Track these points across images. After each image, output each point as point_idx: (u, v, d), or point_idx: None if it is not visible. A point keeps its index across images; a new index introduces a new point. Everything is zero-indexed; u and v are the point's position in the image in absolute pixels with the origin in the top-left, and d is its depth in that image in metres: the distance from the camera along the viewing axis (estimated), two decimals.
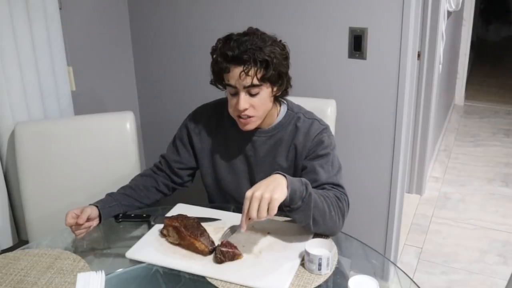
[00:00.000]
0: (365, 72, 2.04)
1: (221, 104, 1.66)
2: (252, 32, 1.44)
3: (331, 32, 2.05)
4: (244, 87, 1.42)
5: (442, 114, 4.14)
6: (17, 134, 1.80)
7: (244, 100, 1.43)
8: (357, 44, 2.01)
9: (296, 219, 1.36)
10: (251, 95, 1.43)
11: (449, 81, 4.33)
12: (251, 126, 1.49)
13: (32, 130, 1.83)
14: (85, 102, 2.24)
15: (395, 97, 2.02)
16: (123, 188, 1.64)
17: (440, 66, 3.10)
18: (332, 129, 1.84)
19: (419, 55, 2.76)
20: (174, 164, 1.68)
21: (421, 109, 3.03)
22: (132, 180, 1.68)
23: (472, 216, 3.02)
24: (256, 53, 1.38)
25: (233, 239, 1.37)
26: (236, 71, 1.40)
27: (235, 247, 1.30)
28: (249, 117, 1.46)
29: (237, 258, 1.30)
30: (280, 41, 1.49)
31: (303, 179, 1.33)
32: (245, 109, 1.44)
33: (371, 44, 1.99)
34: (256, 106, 1.45)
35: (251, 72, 1.39)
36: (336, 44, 2.06)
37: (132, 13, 2.47)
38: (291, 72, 1.59)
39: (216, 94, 1.73)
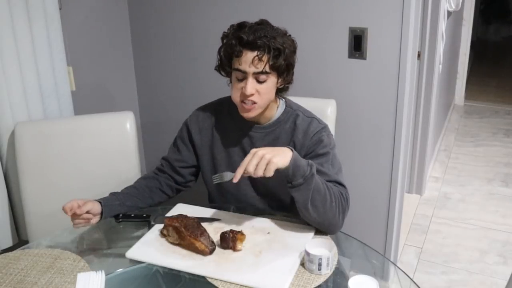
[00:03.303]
0: (365, 72, 2.04)
1: (221, 103, 1.68)
2: (265, 22, 1.49)
3: (331, 32, 2.05)
4: (254, 73, 1.44)
5: (442, 114, 4.14)
6: (17, 134, 1.80)
7: (251, 86, 1.44)
8: (357, 44, 2.01)
9: (296, 197, 1.38)
10: (259, 82, 1.45)
11: (449, 81, 4.33)
12: (252, 113, 1.50)
13: (32, 130, 1.83)
14: (85, 102, 2.24)
15: (395, 97, 2.02)
16: (127, 188, 1.64)
17: (440, 66, 3.10)
18: (332, 129, 1.84)
19: (419, 55, 2.76)
20: (176, 163, 1.69)
21: (421, 109, 3.03)
22: (135, 182, 1.69)
23: (472, 216, 3.02)
24: (270, 41, 1.42)
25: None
26: (249, 55, 1.42)
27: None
28: (253, 103, 1.47)
29: (239, 240, 1.33)
30: (290, 35, 1.52)
31: (310, 161, 1.38)
32: (251, 95, 1.45)
33: (371, 44, 1.99)
34: (261, 94, 1.47)
35: (264, 58, 1.42)
36: (336, 44, 2.06)
37: (132, 13, 2.47)
38: None
39: (217, 94, 1.74)
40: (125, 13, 2.46)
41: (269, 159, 1.30)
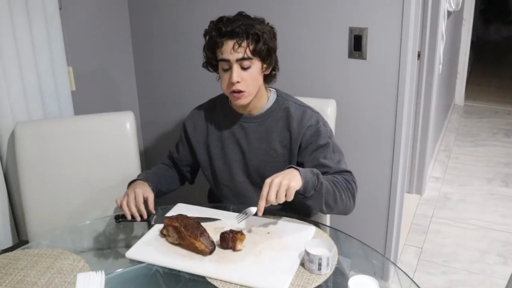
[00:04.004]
0: (365, 72, 2.04)
1: (214, 100, 1.74)
2: (242, 14, 1.56)
3: (331, 32, 2.05)
4: (237, 60, 1.49)
5: (442, 114, 4.14)
6: (17, 134, 1.80)
7: (236, 73, 1.49)
8: (357, 44, 2.01)
9: (310, 205, 1.43)
10: (243, 69, 1.50)
11: (449, 81, 4.33)
12: (243, 100, 1.54)
13: (32, 130, 1.83)
14: (85, 102, 2.24)
15: (395, 97, 2.02)
16: (154, 171, 1.72)
17: (440, 66, 3.10)
18: (332, 129, 1.84)
19: (419, 55, 2.76)
20: (176, 162, 1.77)
21: (421, 109, 3.03)
22: (157, 166, 1.77)
23: (472, 216, 3.02)
24: (247, 28, 1.49)
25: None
26: (229, 43, 1.48)
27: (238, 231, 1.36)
28: (241, 92, 1.52)
29: (239, 240, 1.34)
30: (268, 23, 1.58)
31: (314, 170, 1.42)
32: (238, 82, 1.50)
33: (371, 44, 1.99)
34: (247, 80, 1.51)
35: (244, 44, 1.48)
36: (336, 44, 2.06)
37: (132, 13, 2.47)
38: (291, 72, 1.60)
39: (217, 94, 1.74)
40: (125, 13, 2.46)
41: (287, 185, 1.32)
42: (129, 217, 1.50)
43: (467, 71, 5.03)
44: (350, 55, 2.05)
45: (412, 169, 3.21)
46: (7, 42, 1.77)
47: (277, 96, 1.65)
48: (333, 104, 1.90)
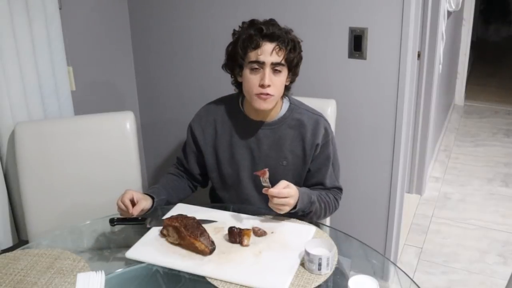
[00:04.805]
0: (365, 72, 2.04)
1: (223, 101, 1.70)
2: (274, 20, 1.55)
3: (331, 32, 2.05)
4: (272, 64, 1.48)
5: (442, 114, 4.14)
6: (17, 134, 1.80)
7: (269, 76, 1.48)
8: (357, 44, 2.01)
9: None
10: (274, 74, 1.50)
11: (449, 81, 4.33)
12: (268, 104, 1.53)
13: (32, 130, 1.83)
14: (85, 102, 2.24)
15: (395, 97, 2.02)
16: (162, 184, 1.68)
17: (440, 66, 3.10)
18: (332, 129, 1.85)
19: (419, 55, 2.76)
20: (187, 169, 1.74)
21: (421, 109, 3.03)
22: (166, 178, 1.72)
23: (472, 216, 3.02)
24: (287, 34, 1.49)
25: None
26: (269, 46, 1.48)
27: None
28: (270, 95, 1.50)
29: (246, 235, 1.36)
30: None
31: (313, 198, 1.52)
32: (268, 86, 1.49)
33: (371, 44, 1.99)
34: (276, 86, 1.51)
35: (283, 49, 1.48)
36: (336, 44, 2.06)
37: (132, 13, 2.47)
38: None
39: (217, 94, 1.74)
40: (125, 13, 2.46)
41: (286, 206, 1.43)
42: (122, 210, 1.46)
43: (467, 71, 5.03)
44: (350, 55, 2.05)
45: (412, 169, 3.21)
46: (7, 42, 1.77)
47: (290, 103, 1.64)
48: (333, 104, 1.90)
